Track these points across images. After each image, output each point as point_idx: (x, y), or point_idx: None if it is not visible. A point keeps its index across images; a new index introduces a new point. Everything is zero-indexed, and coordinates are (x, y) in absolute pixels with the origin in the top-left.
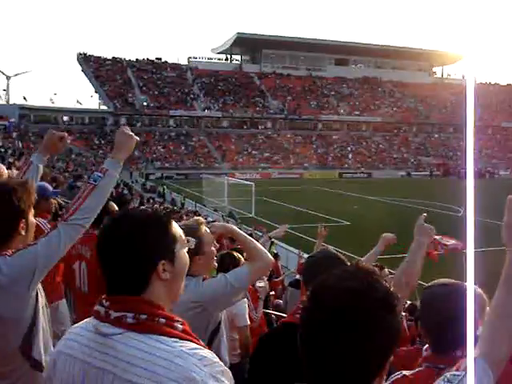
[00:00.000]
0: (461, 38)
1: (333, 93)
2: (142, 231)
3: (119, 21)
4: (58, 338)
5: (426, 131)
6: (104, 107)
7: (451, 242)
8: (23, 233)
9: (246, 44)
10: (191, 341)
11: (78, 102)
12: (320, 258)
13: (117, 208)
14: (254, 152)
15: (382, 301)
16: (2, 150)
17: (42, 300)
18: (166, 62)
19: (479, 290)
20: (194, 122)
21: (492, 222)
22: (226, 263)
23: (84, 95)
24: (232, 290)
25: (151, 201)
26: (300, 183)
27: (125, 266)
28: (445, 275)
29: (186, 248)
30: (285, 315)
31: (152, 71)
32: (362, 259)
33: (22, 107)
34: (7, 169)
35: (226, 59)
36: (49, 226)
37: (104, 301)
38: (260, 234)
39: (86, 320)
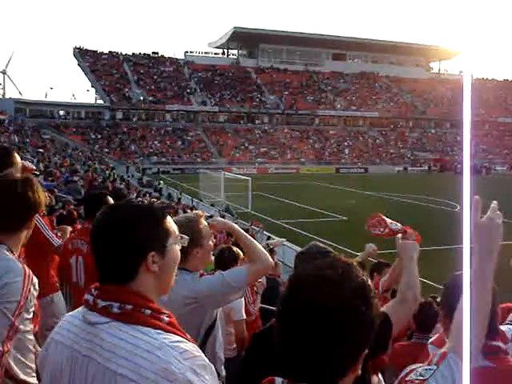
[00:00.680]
0: (458, 33)
1: (330, 88)
2: (134, 221)
3: (116, 15)
4: None
5: (423, 126)
6: (100, 101)
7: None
8: (31, 227)
9: (242, 38)
10: (176, 334)
11: (73, 95)
12: (311, 254)
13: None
14: (250, 147)
15: (356, 290)
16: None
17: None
18: (163, 56)
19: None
20: (191, 116)
21: None
22: (225, 257)
23: (80, 89)
24: (229, 289)
25: (148, 195)
26: (297, 178)
27: (114, 255)
28: (441, 271)
29: (179, 245)
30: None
31: (149, 65)
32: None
33: (17, 101)
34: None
35: (223, 54)
36: (42, 220)
37: (93, 289)
38: (257, 229)
39: (78, 309)
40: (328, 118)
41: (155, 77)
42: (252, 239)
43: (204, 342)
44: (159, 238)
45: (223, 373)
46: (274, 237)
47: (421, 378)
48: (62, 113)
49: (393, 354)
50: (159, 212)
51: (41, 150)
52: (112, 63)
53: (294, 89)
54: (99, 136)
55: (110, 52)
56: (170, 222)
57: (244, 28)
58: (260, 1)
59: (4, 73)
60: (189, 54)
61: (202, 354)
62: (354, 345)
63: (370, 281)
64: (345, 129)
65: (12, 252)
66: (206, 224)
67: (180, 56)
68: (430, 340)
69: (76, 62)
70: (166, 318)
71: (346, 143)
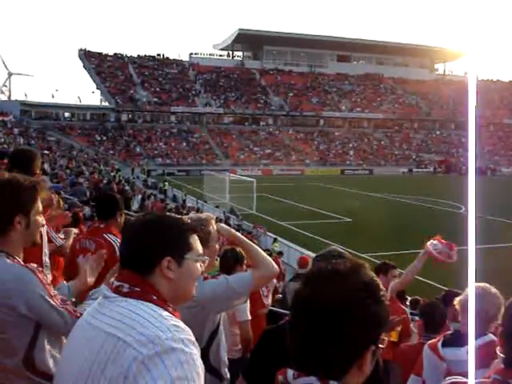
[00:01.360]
0: (463, 34)
1: (334, 89)
2: (160, 226)
3: (121, 17)
4: None
5: (428, 128)
6: (105, 103)
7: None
8: (20, 228)
9: (247, 40)
10: (174, 318)
11: (78, 98)
12: (328, 257)
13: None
14: (255, 148)
15: (363, 285)
16: (6, 146)
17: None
18: (168, 58)
19: (494, 290)
20: (196, 118)
21: (493, 219)
22: (228, 258)
23: (85, 91)
24: (233, 294)
25: (152, 197)
26: (301, 180)
27: (135, 247)
28: (446, 272)
29: (199, 263)
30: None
31: (154, 67)
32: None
33: (23, 103)
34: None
35: (228, 55)
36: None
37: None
38: (260, 231)
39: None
40: (333, 119)
41: (160, 79)
42: (255, 246)
43: (208, 346)
44: (180, 248)
45: (227, 376)
46: (279, 238)
47: None
48: (67, 115)
49: (399, 354)
50: (186, 226)
51: (46, 152)
52: (117, 65)
53: (299, 90)
54: (104, 138)
55: (115, 54)
56: (196, 241)
57: (249, 30)
58: (264, 3)
59: (10, 75)
60: (194, 55)
61: (191, 334)
62: (357, 337)
63: (379, 282)
64: (349, 130)
65: (13, 257)
66: (215, 227)
67: (185, 58)
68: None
69: (81, 64)
70: (170, 309)
71: (350, 145)
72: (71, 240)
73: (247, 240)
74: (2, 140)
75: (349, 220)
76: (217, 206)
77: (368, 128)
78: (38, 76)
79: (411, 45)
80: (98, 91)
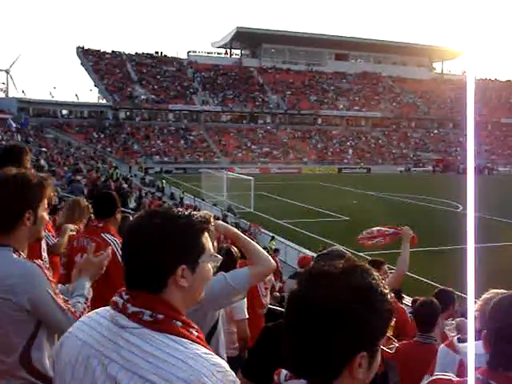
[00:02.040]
0: (461, 33)
1: (332, 88)
2: (170, 232)
3: (119, 14)
4: None
5: (426, 127)
6: (103, 101)
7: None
8: (28, 224)
9: (245, 38)
10: (205, 347)
11: (76, 96)
12: (328, 257)
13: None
14: (253, 147)
15: (352, 288)
16: (4, 142)
17: None
18: (166, 55)
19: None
20: (194, 116)
21: (491, 218)
22: (224, 254)
23: (83, 89)
24: (230, 291)
25: (150, 195)
26: (299, 178)
27: (145, 263)
28: (444, 271)
29: (212, 263)
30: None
31: (151, 65)
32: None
33: (20, 100)
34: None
35: (226, 53)
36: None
37: (123, 293)
38: (256, 231)
39: (104, 307)
40: (330, 118)
41: (158, 76)
42: (253, 242)
43: (207, 343)
44: (193, 252)
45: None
46: (277, 236)
47: None
48: (65, 112)
49: (395, 353)
50: (198, 226)
51: (44, 149)
52: (115, 63)
53: (297, 89)
54: (102, 135)
55: (113, 51)
56: (207, 238)
57: (247, 28)
58: (263, 1)
59: (8, 72)
60: (192, 53)
61: (231, 371)
62: (345, 344)
63: (381, 284)
64: (347, 129)
65: (19, 253)
66: (213, 225)
67: (183, 56)
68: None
69: (79, 62)
70: (195, 332)
71: (348, 143)
72: (66, 237)
73: (245, 236)
74: (0, 137)
75: (346, 218)
76: (214, 204)
77: (366, 127)
78: (36, 73)
79: (409, 43)
80: (96, 89)
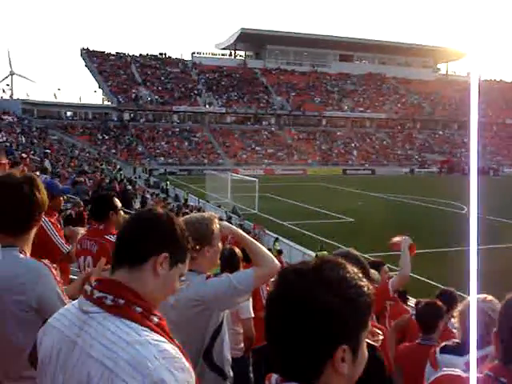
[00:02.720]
0: (465, 34)
1: (337, 89)
2: (156, 224)
3: (123, 16)
4: None
5: (430, 128)
6: (107, 102)
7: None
8: (37, 226)
9: (250, 40)
10: (161, 335)
11: (80, 98)
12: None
13: (120, 204)
14: (257, 148)
15: (323, 282)
16: (8, 144)
17: None
18: (170, 57)
19: (498, 306)
20: (198, 117)
21: (495, 220)
22: (229, 255)
23: (87, 90)
24: (235, 292)
25: (154, 196)
26: (304, 180)
27: (138, 235)
28: (449, 272)
29: (179, 280)
30: None
31: (156, 67)
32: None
33: (25, 102)
34: (16, 164)
35: (230, 55)
36: (51, 226)
37: (93, 281)
38: (260, 232)
39: (79, 298)
40: (335, 119)
41: (162, 78)
42: (257, 243)
43: (211, 344)
44: (179, 254)
45: (231, 373)
46: (281, 238)
47: None
48: (69, 114)
49: (398, 355)
50: (190, 245)
51: (48, 151)
52: (119, 64)
53: (301, 90)
54: (106, 137)
55: (117, 53)
56: (186, 264)
57: (251, 29)
58: (267, 2)
59: (12, 74)
60: (196, 55)
61: (183, 358)
62: (320, 337)
63: (356, 277)
64: (352, 130)
65: (25, 252)
66: (218, 226)
67: (187, 57)
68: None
69: (83, 63)
70: (156, 319)
71: (353, 144)
72: (76, 243)
73: (249, 237)
74: (5, 138)
75: (351, 220)
76: (219, 206)
77: (370, 128)
78: (40, 75)
79: (414, 45)
80: (100, 90)
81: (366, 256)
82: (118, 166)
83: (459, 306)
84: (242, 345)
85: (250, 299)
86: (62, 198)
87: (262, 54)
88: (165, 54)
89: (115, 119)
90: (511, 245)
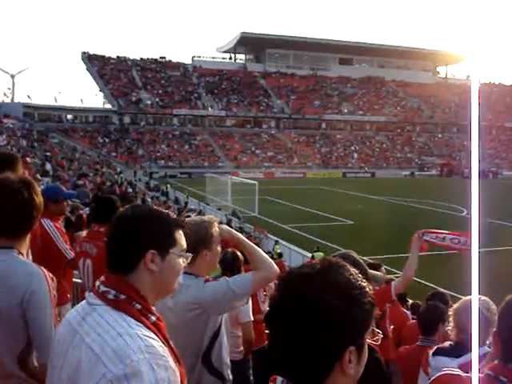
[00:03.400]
0: (465, 38)
1: (336, 92)
2: (146, 220)
3: (124, 20)
4: None
5: (430, 131)
6: (108, 106)
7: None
8: (34, 228)
9: (250, 43)
10: (155, 334)
11: (81, 101)
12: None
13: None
14: (257, 151)
15: (331, 285)
16: (8, 148)
17: None
18: (171, 61)
19: (493, 307)
20: (198, 121)
21: (495, 222)
22: (228, 258)
23: (88, 94)
24: (233, 296)
25: (155, 199)
26: (303, 183)
27: (119, 245)
28: (448, 275)
29: (183, 258)
30: None
31: (156, 70)
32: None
33: (26, 106)
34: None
35: (230, 58)
36: (57, 231)
37: (103, 277)
38: (260, 236)
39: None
40: (335, 122)
41: (163, 81)
42: (256, 247)
43: (210, 347)
44: (164, 241)
45: (230, 377)
46: (281, 241)
47: None
48: (70, 117)
49: (398, 357)
50: (172, 221)
51: (49, 154)
52: (120, 68)
53: (301, 93)
54: (107, 140)
55: (117, 57)
56: (181, 235)
57: (251, 33)
58: (267, 6)
59: (13, 77)
60: (196, 58)
61: (169, 358)
62: (330, 341)
63: (358, 278)
64: (351, 133)
65: (23, 255)
66: (217, 229)
67: (187, 61)
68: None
69: (84, 67)
70: (154, 318)
71: (352, 148)
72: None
73: (248, 241)
74: (6, 142)
75: (351, 223)
76: (219, 209)
77: (370, 131)
78: (41, 79)
79: (413, 48)
80: (101, 94)
81: (365, 258)
82: (119, 169)
83: (454, 305)
84: (242, 348)
85: (250, 303)
86: (65, 203)
87: (262, 58)
88: (165, 58)
89: (116, 122)
90: (510, 248)
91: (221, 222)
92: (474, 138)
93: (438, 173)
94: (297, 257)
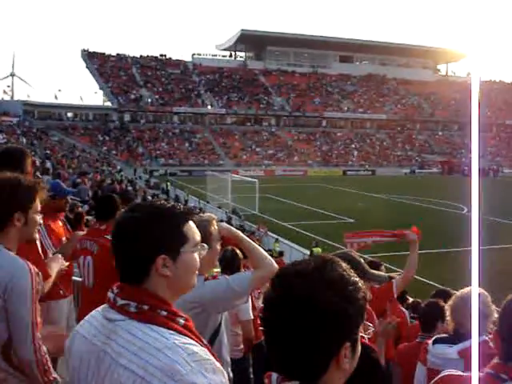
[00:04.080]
0: (465, 35)
1: (337, 90)
2: (149, 222)
3: (123, 17)
4: None
5: (430, 129)
6: (108, 104)
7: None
8: (18, 225)
9: (250, 41)
10: (189, 337)
11: (80, 99)
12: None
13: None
14: (257, 149)
15: (326, 282)
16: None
17: None
18: (171, 58)
19: (488, 299)
20: (198, 118)
21: (496, 220)
22: (228, 256)
23: (88, 92)
24: (233, 294)
25: (155, 197)
26: (304, 180)
27: (128, 254)
28: (449, 273)
29: (198, 252)
30: None
31: (156, 68)
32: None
33: (25, 103)
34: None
35: (230, 56)
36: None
37: (115, 288)
38: (262, 232)
39: (103, 305)
40: (335, 120)
41: (163, 79)
42: (256, 245)
43: (210, 346)
44: (173, 242)
45: (230, 375)
46: (281, 239)
47: None
48: (70, 115)
49: (398, 354)
50: (179, 215)
51: (49, 152)
52: (120, 65)
53: (301, 91)
54: (107, 138)
55: (117, 54)
56: (191, 228)
57: (251, 30)
58: (267, 3)
59: (13, 75)
60: (196, 56)
61: (213, 358)
62: (327, 337)
63: (351, 274)
64: (352, 131)
65: (10, 251)
66: (217, 228)
67: (187, 58)
68: None
69: (84, 65)
70: (182, 321)
71: (353, 145)
72: (70, 247)
73: (248, 239)
74: (6, 140)
75: (351, 221)
76: (219, 207)
77: (370, 129)
78: (41, 76)
79: (414, 46)
80: (101, 91)
81: (365, 257)
82: (119, 167)
83: (449, 301)
84: (242, 346)
85: (250, 301)
86: (65, 200)
87: (262, 55)
88: (165, 56)
89: (116, 120)
90: (510, 246)
91: (221, 220)
92: (474, 136)
93: (439, 171)
94: (297, 255)
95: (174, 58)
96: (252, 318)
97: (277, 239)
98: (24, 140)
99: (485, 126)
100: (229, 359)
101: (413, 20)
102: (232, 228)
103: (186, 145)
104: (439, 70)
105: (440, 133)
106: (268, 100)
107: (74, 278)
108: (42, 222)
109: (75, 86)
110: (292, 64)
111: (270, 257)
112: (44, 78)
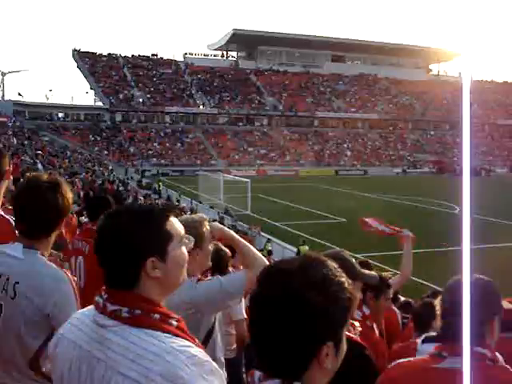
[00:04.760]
0: (457, 35)
1: (329, 89)
2: (131, 227)
3: (114, 17)
4: None
5: (422, 128)
6: (99, 104)
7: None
8: (57, 232)
9: (242, 40)
10: (184, 338)
11: (72, 99)
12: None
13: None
14: (249, 149)
15: (310, 282)
16: (0, 145)
17: None
18: (162, 58)
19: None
20: (190, 118)
21: (487, 220)
22: (218, 256)
23: (79, 92)
24: (226, 295)
25: (147, 197)
26: (296, 180)
27: (115, 261)
28: (441, 272)
29: (185, 246)
30: None
31: (148, 67)
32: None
33: (16, 103)
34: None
35: (222, 55)
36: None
37: (103, 292)
38: (255, 232)
39: (88, 307)
40: (327, 119)
41: (154, 79)
42: (249, 245)
43: (203, 347)
44: (158, 242)
45: (225, 375)
46: (273, 238)
47: None
48: (61, 115)
49: (391, 355)
50: (159, 215)
51: (40, 152)
52: (111, 65)
53: (293, 90)
54: (98, 138)
55: (109, 54)
56: (173, 224)
57: (243, 30)
58: (259, 3)
59: (3, 74)
60: (188, 55)
61: (210, 359)
62: (309, 336)
63: (337, 274)
64: (344, 130)
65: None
66: (208, 228)
67: (179, 58)
68: None
69: (75, 65)
70: (175, 322)
71: (345, 145)
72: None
73: (240, 238)
74: None
75: (343, 220)
76: (211, 207)
77: (362, 128)
78: (32, 76)
79: (406, 45)
80: (92, 91)
81: (357, 256)
82: (110, 167)
83: (437, 299)
84: (235, 346)
85: (243, 301)
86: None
87: (254, 55)
88: (157, 55)
89: (107, 120)
90: (502, 245)
91: (213, 220)
92: (465, 136)
93: (431, 170)
94: (289, 254)
95: (165, 57)
96: (245, 317)
97: (269, 239)
98: (15, 140)
99: (476, 125)
100: (223, 359)
101: (404, 20)
102: (224, 228)
103: (178, 145)
104: (431, 70)
105: (432, 132)
106: (260, 100)
107: None
108: None
109: (66, 86)
110: (284, 64)
111: (262, 256)
112: (35, 78)
